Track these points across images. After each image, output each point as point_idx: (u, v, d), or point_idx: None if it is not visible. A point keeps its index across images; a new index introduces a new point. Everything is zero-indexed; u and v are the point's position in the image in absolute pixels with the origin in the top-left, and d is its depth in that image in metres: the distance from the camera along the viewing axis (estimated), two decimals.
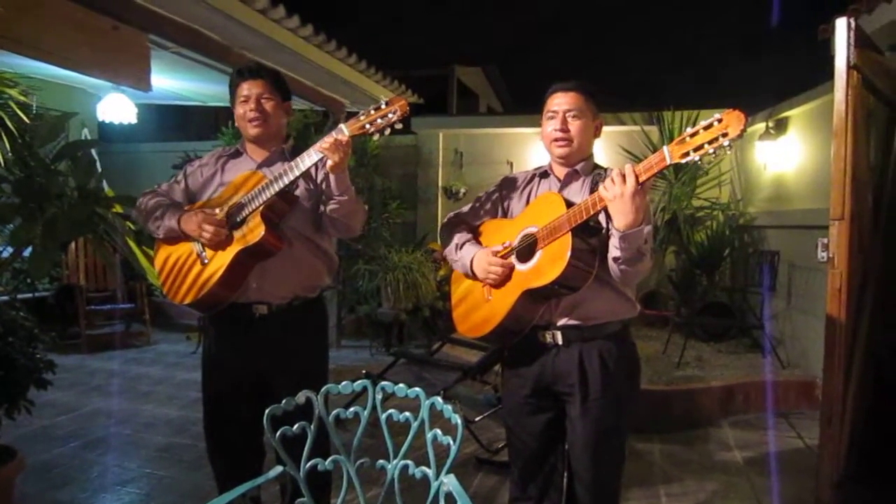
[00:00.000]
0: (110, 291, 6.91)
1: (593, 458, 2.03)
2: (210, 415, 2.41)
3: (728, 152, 1.64)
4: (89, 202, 2.40)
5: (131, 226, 2.73)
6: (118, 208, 2.81)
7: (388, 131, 2.04)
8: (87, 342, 6.48)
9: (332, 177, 2.14)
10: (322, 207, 2.26)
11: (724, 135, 1.61)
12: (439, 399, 1.64)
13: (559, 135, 2.03)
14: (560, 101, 2.04)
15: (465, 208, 2.31)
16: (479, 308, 2.11)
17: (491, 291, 2.08)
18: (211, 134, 8.44)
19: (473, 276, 2.13)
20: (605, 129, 2.18)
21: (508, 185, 2.23)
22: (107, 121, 6.08)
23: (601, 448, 2.03)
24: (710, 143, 1.63)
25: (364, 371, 4.18)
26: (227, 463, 2.39)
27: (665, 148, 1.71)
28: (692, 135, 1.66)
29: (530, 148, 7.86)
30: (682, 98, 7.19)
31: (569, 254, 1.83)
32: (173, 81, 5.76)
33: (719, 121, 1.62)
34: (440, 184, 8.31)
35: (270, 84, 2.31)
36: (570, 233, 1.85)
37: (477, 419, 4.01)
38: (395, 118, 2.01)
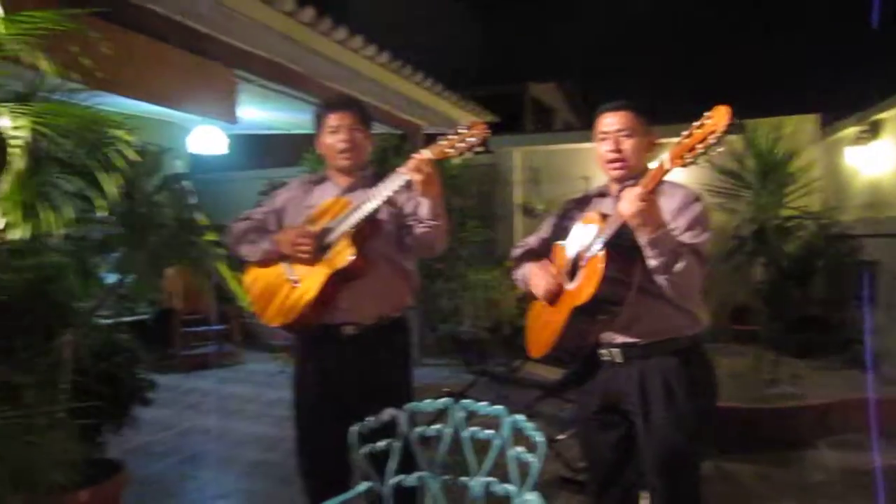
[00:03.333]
0: (203, 314, 7.25)
1: (662, 477, 2.00)
2: (301, 432, 2.48)
3: (719, 150, 1.62)
4: (186, 231, 2.56)
5: (223, 252, 2.87)
6: (211, 236, 2.98)
7: (468, 154, 2.09)
8: (183, 362, 6.82)
9: (425, 202, 2.20)
10: (406, 229, 2.33)
11: (712, 132, 1.60)
12: (521, 417, 1.65)
13: (613, 156, 2.06)
14: (610, 122, 2.07)
15: (532, 238, 2.37)
16: (540, 326, 2.17)
17: (547, 310, 2.13)
18: (293, 160, 8.74)
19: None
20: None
21: (569, 208, 2.27)
22: (197, 152, 6.42)
23: (670, 467, 1.99)
24: (700, 142, 1.62)
25: (445, 389, 4.22)
26: (316, 479, 2.45)
27: (663, 155, 1.73)
28: (686, 136, 1.66)
29: None
30: (767, 105, 6.95)
31: (600, 270, 1.86)
32: (259, 112, 6.04)
33: (709, 118, 1.62)
34: (517, 201, 8.32)
35: (358, 115, 2.39)
36: (602, 249, 1.88)
37: (560, 437, 3.97)
38: (475, 141, 2.07)
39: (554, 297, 2.09)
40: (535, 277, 2.16)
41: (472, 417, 1.76)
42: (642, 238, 1.80)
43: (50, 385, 2.34)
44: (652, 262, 1.84)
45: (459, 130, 2.09)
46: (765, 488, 3.61)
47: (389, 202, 2.35)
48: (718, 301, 6.70)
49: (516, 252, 2.36)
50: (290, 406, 2.54)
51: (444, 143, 2.10)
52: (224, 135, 6.36)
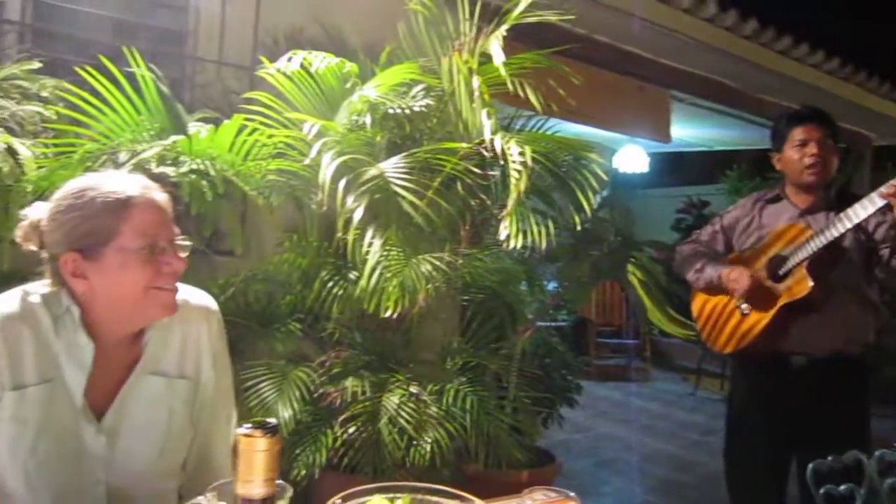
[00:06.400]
0: (616, 327, 7.52)
1: None
2: (734, 459, 2.40)
3: None
4: (626, 247, 2.72)
5: (656, 268, 2.96)
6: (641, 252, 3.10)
7: None
8: (596, 371, 7.15)
9: None
10: (875, 258, 2.09)
11: None
12: None
13: None
14: None
15: None
16: None
17: None
18: (710, 178, 8.50)
19: None
20: None
21: None
22: (620, 171, 6.71)
23: None
24: None
25: None
26: None
27: None
28: None
29: None
30: None
31: None
32: (683, 129, 6.04)
33: None
34: None
35: (829, 128, 2.22)
36: None
37: None
38: None
39: None
40: None
41: None
42: None
43: (506, 373, 2.72)
44: None
45: None
46: None
47: (858, 227, 2.13)
48: None
49: None
50: (723, 430, 2.47)
51: None
52: (645, 153, 6.53)
